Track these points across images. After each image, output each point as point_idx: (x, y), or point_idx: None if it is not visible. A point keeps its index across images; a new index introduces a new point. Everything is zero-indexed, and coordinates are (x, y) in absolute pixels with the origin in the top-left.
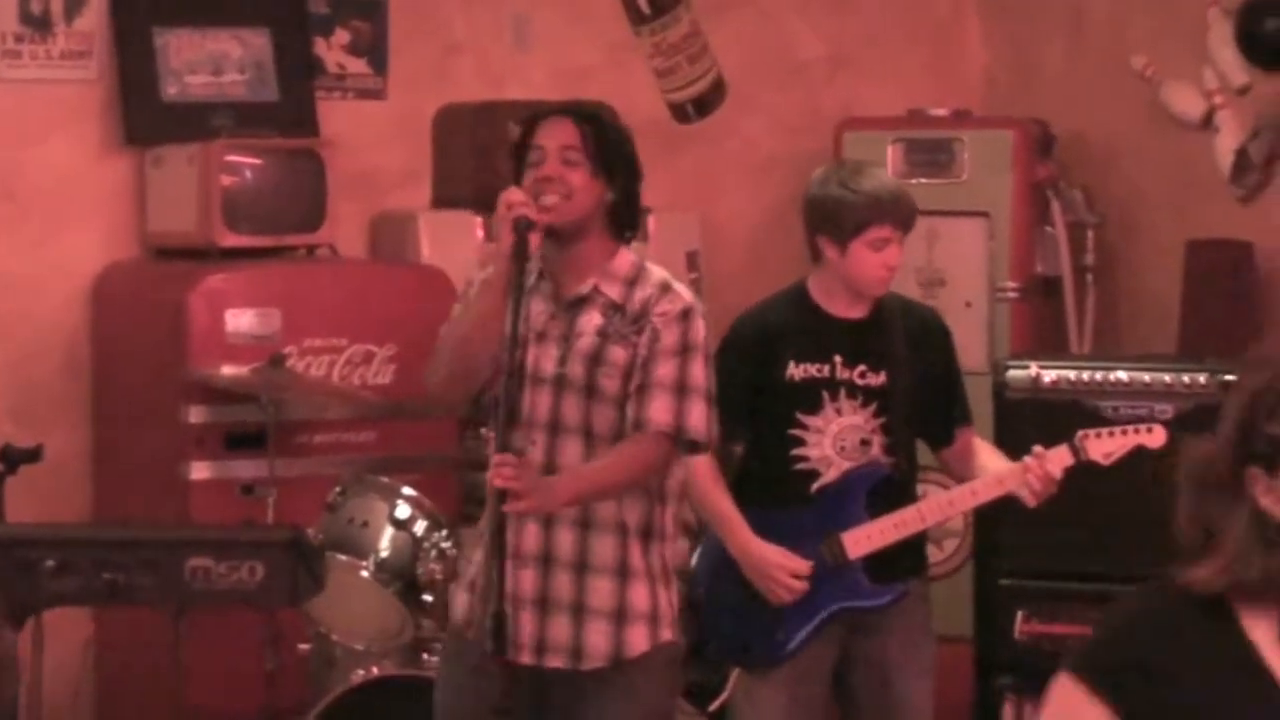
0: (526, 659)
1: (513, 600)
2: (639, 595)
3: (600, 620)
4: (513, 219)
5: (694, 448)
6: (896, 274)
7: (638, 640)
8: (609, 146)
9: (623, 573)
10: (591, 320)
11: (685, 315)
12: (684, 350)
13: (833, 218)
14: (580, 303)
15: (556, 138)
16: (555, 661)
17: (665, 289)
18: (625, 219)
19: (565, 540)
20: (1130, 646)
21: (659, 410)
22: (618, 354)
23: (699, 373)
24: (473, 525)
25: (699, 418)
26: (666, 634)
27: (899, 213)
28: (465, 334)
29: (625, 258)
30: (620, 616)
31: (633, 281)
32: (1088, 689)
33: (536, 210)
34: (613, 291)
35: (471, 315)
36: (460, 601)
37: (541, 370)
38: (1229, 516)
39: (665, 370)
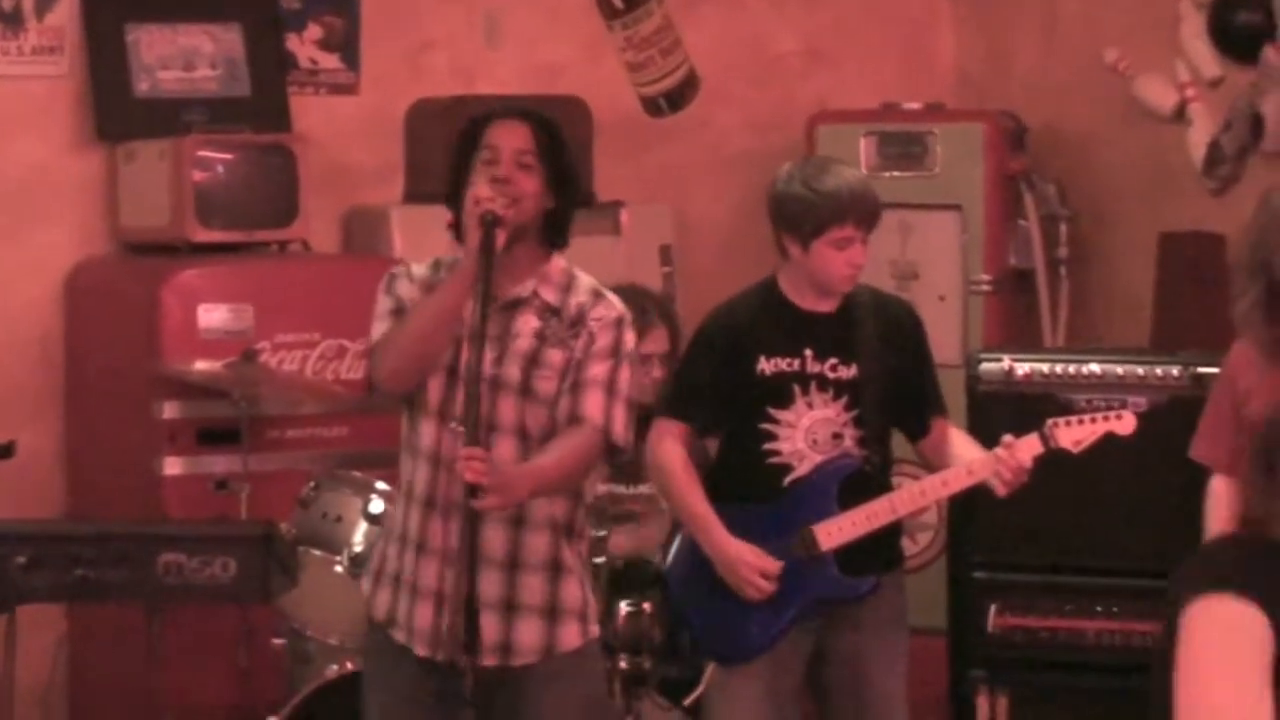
0: (448, 656)
1: (434, 599)
2: (571, 591)
3: (533, 616)
4: (479, 214)
5: (613, 451)
6: (863, 270)
7: (570, 636)
8: (560, 155)
9: (555, 569)
10: (528, 322)
11: (619, 323)
12: (615, 354)
13: (795, 217)
14: (516, 304)
15: (512, 140)
16: (486, 659)
17: (599, 295)
18: (560, 227)
19: (496, 538)
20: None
21: (593, 406)
22: (555, 356)
23: (625, 379)
24: None
25: (621, 423)
26: (594, 629)
27: (860, 212)
28: (423, 328)
29: (558, 263)
30: (553, 613)
31: (566, 287)
32: (1245, 601)
33: (503, 206)
34: (550, 296)
35: (431, 309)
36: (382, 598)
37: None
38: None
39: (599, 370)
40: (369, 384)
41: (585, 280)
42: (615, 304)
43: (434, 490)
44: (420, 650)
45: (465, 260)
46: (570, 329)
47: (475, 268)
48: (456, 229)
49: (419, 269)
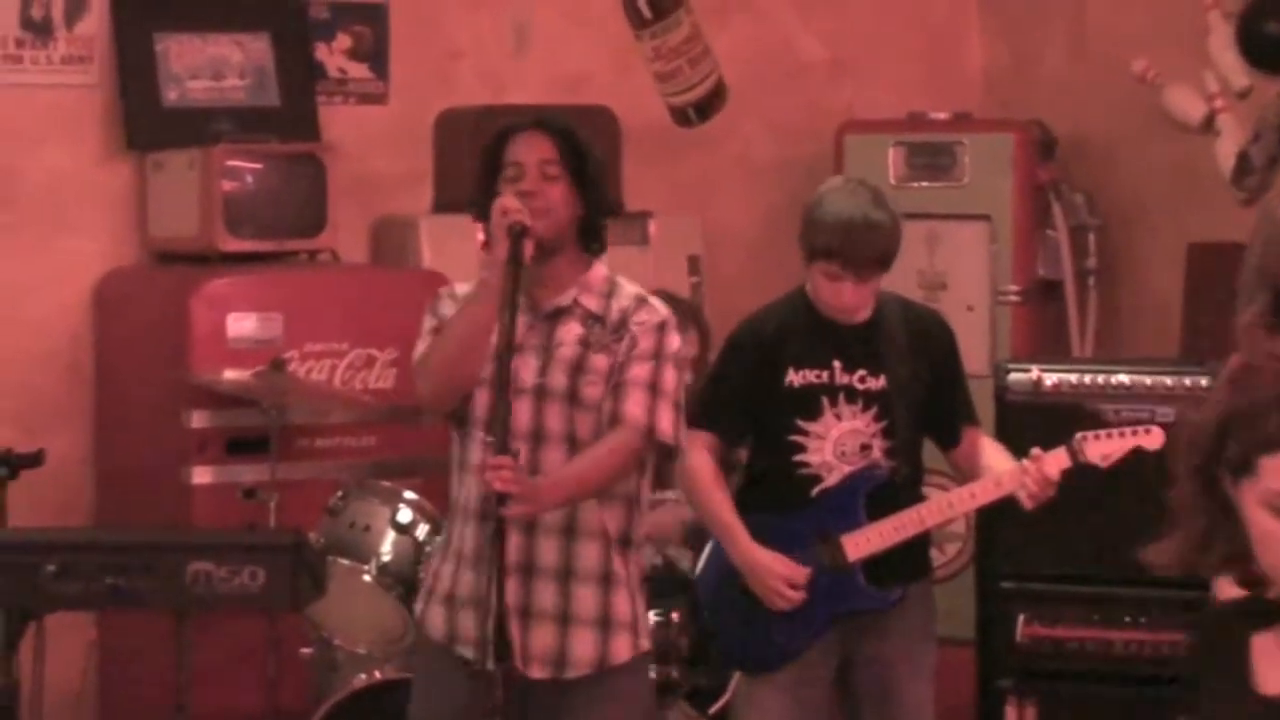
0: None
1: (497, 604)
2: (622, 603)
3: (586, 629)
4: (507, 225)
5: (662, 449)
6: (857, 310)
7: (622, 649)
8: (584, 160)
9: (606, 580)
10: (571, 330)
11: (662, 327)
12: (658, 356)
13: (800, 236)
14: (559, 314)
15: (534, 152)
16: (539, 672)
17: (642, 301)
18: (594, 232)
19: (549, 548)
20: None
21: (634, 405)
22: (600, 362)
23: (670, 379)
24: None
25: (668, 420)
26: (645, 643)
27: (848, 255)
28: (458, 343)
29: (599, 271)
30: (605, 624)
31: (608, 294)
32: None
33: (530, 217)
34: (591, 303)
35: (464, 323)
36: (436, 617)
37: (520, 380)
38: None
39: (640, 370)
40: (417, 403)
41: (628, 287)
42: (659, 308)
43: (485, 504)
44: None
45: (492, 272)
46: (614, 334)
47: (503, 280)
48: (488, 245)
49: (463, 289)
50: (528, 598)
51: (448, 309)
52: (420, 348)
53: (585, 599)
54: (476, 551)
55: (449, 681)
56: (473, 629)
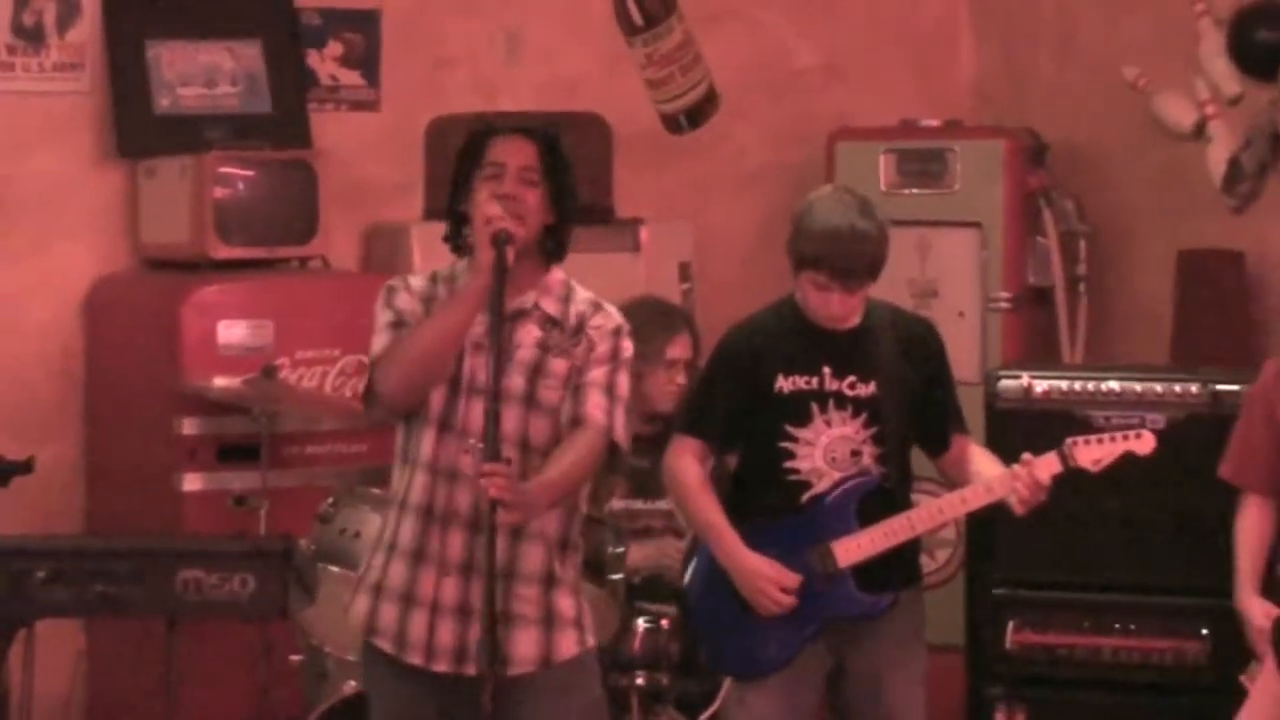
0: (444, 666)
1: (432, 608)
2: (565, 602)
3: (529, 626)
4: (491, 233)
5: (614, 452)
6: (845, 319)
7: (567, 645)
8: (563, 171)
9: (549, 581)
10: (530, 333)
11: (617, 331)
12: (614, 359)
13: (789, 245)
14: (518, 316)
15: (517, 157)
16: (478, 670)
17: (597, 306)
18: (560, 242)
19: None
20: None
21: (594, 408)
22: (558, 366)
23: (624, 384)
24: None
25: (622, 424)
26: (591, 640)
27: (833, 264)
28: (431, 345)
29: (557, 275)
30: (548, 623)
31: (566, 298)
32: None
33: (514, 224)
34: (550, 306)
35: (440, 327)
36: (361, 605)
37: (478, 381)
38: None
39: (598, 373)
40: (368, 399)
41: (583, 292)
42: (613, 314)
43: (432, 500)
44: (416, 660)
45: (477, 279)
46: (572, 339)
47: (488, 286)
48: (452, 241)
49: (417, 281)
50: (469, 597)
51: (404, 302)
52: (380, 341)
53: (528, 599)
54: (416, 546)
55: (393, 679)
56: (415, 630)
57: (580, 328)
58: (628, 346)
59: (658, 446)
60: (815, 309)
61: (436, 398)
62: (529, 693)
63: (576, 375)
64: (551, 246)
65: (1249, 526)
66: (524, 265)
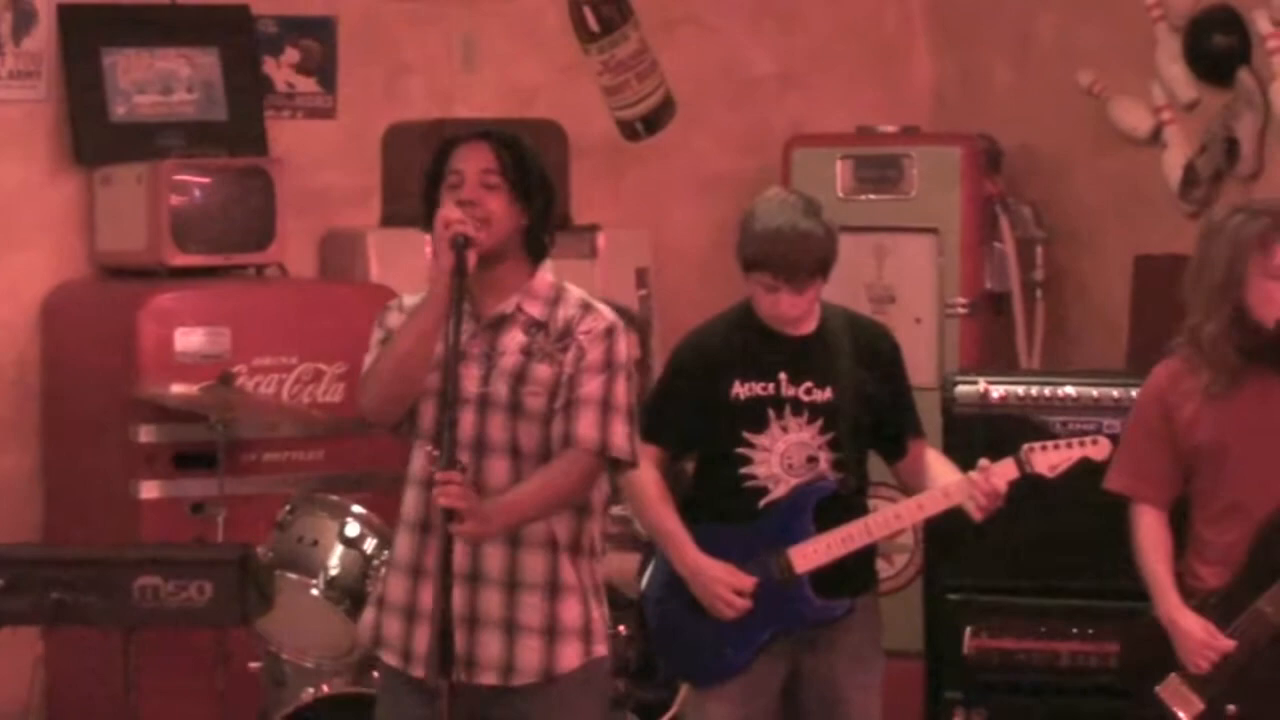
0: (458, 676)
1: (441, 618)
2: (570, 611)
3: (532, 636)
4: (450, 237)
5: (617, 465)
6: (799, 320)
7: (570, 656)
8: (526, 170)
9: (553, 588)
10: (514, 338)
11: (609, 333)
12: (609, 367)
13: (736, 248)
14: (501, 321)
15: (475, 162)
16: (487, 679)
17: (587, 308)
18: (540, 241)
19: (494, 557)
20: None
21: (586, 426)
22: (543, 371)
23: (622, 391)
24: None
25: (622, 436)
26: (599, 649)
27: (778, 264)
28: (402, 354)
29: (544, 278)
30: (551, 633)
31: (554, 301)
32: None
33: (473, 228)
34: (535, 310)
35: (409, 335)
36: (367, 619)
37: (464, 390)
38: None
39: (591, 387)
40: (361, 416)
41: (575, 293)
42: (605, 314)
43: (425, 514)
44: (420, 673)
45: (438, 284)
46: (558, 343)
47: (449, 291)
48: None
49: (410, 300)
50: (474, 605)
51: (395, 321)
52: (367, 360)
53: (530, 607)
54: (415, 561)
55: (397, 693)
56: (419, 643)
57: (568, 332)
58: (622, 347)
59: None
60: (766, 311)
61: (427, 413)
62: (531, 703)
63: (567, 386)
64: (532, 246)
65: (1152, 536)
66: (506, 270)
